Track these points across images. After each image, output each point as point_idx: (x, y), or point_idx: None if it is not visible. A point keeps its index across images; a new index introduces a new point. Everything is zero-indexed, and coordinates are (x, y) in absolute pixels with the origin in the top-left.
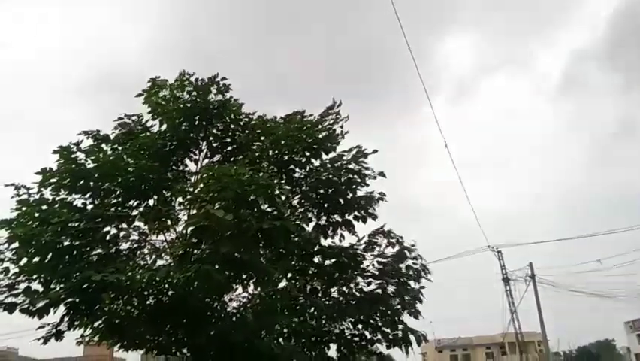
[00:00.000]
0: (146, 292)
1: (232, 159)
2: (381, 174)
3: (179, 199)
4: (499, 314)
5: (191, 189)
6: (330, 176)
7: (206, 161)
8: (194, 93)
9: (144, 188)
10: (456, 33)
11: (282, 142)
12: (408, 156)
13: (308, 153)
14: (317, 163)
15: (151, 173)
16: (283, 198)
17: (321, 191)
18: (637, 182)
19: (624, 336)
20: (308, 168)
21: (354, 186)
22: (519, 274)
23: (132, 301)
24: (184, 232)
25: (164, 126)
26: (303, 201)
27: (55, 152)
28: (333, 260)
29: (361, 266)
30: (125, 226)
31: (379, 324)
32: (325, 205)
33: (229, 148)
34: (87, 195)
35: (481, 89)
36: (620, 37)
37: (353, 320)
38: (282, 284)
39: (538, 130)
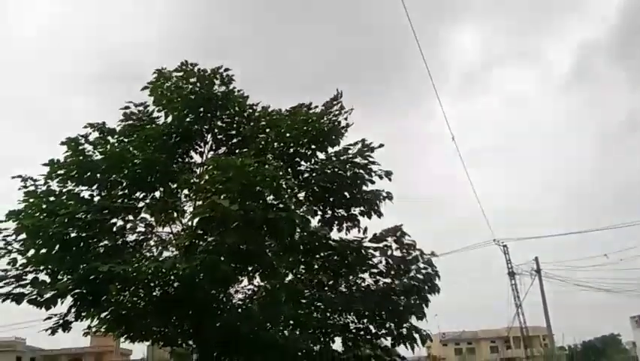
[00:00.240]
0: (152, 284)
1: (237, 152)
2: (388, 173)
3: (185, 191)
4: (504, 308)
5: (197, 180)
6: (336, 170)
7: (212, 153)
8: (198, 84)
9: (150, 180)
10: (465, 24)
11: (288, 135)
12: (414, 148)
13: (313, 146)
14: (322, 156)
15: (157, 165)
16: (289, 190)
17: (327, 185)
18: None
19: (630, 331)
20: (313, 160)
21: (359, 182)
22: (524, 268)
23: (139, 292)
24: (190, 223)
25: (170, 118)
26: (309, 195)
27: (63, 143)
28: (337, 256)
29: (369, 262)
30: (131, 217)
31: (384, 319)
32: (331, 199)
33: (234, 140)
34: (94, 187)
35: (490, 80)
36: (632, 27)
37: (358, 313)
38: (288, 278)
39: (548, 122)
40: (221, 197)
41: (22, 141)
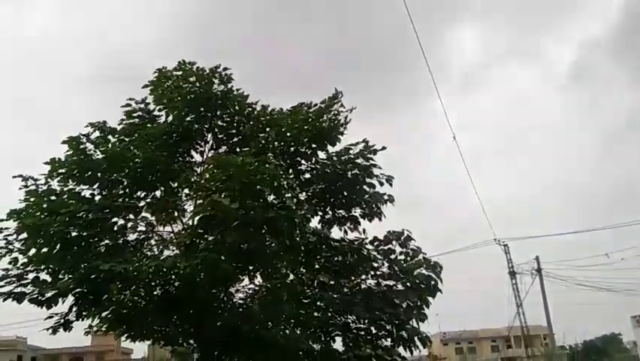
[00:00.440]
0: (153, 283)
1: (238, 150)
2: (389, 179)
3: (186, 191)
4: (504, 307)
5: (197, 179)
6: (337, 170)
7: (212, 152)
8: (198, 84)
9: (151, 179)
10: (466, 22)
11: (288, 133)
12: (415, 147)
13: (314, 145)
14: (323, 155)
15: (158, 164)
16: (289, 189)
17: (328, 185)
18: None
19: (631, 330)
20: (314, 159)
21: (358, 186)
22: (525, 267)
23: (139, 291)
24: (191, 222)
25: (170, 117)
26: (310, 196)
27: (64, 142)
28: (338, 257)
29: (372, 264)
30: (132, 216)
31: (385, 322)
32: (331, 200)
33: (234, 139)
34: (95, 186)
35: (490, 80)
36: (632, 26)
37: (359, 315)
38: (290, 278)
39: (548, 121)
40: (222, 195)
41: (22, 141)
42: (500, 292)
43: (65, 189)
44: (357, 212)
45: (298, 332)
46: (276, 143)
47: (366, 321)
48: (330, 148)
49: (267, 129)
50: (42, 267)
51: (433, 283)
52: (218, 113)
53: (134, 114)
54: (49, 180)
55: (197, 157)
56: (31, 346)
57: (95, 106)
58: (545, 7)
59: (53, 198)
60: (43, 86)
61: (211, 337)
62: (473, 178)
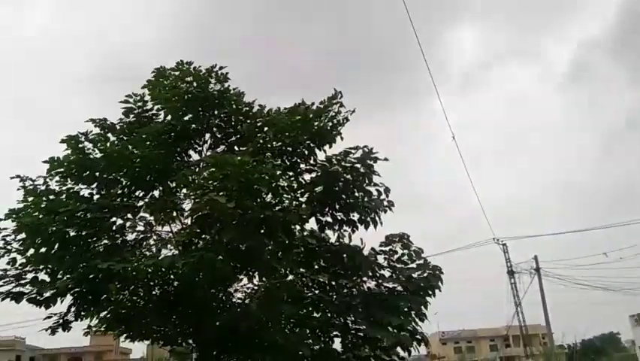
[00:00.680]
0: (151, 283)
1: (236, 150)
2: (387, 190)
3: (184, 190)
4: (503, 307)
5: (195, 178)
6: (336, 173)
7: (210, 152)
8: (195, 83)
9: (149, 178)
10: (466, 22)
11: (287, 133)
12: (415, 147)
13: (312, 145)
14: (322, 157)
15: (156, 163)
16: (287, 189)
17: (326, 187)
18: None
19: (629, 329)
20: (312, 160)
21: (356, 191)
22: (524, 266)
23: (138, 291)
24: (188, 221)
25: (169, 117)
26: (310, 198)
27: (62, 141)
28: (336, 259)
29: (373, 267)
30: (130, 216)
31: (384, 324)
32: (329, 202)
33: (232, 139)
34: (94, 186)
35: (490, 79)
36: (631, 26)
37: (358, 317)
38: (289, 278)
39: (548, 120)
40: (219, 194)
41: (22, 141)
42: (499, 291)
43: (64, 188)
44: (355, 216)
45: (297, 332)
46: (274, 143)
47: (366, 323)
48: (329, 150)
49: (265, 129)
50: (40, 267)
51: (434, 286)
52: (215, 112)
53: (133, 113)
54: (47, 179)
55: (196, 156)
56: (29, 346)
57: (95, 106)
58: (545, 7)
59: (52, 197)
60: (43, 86)
61: (210, 337)
62: (473, 178)
